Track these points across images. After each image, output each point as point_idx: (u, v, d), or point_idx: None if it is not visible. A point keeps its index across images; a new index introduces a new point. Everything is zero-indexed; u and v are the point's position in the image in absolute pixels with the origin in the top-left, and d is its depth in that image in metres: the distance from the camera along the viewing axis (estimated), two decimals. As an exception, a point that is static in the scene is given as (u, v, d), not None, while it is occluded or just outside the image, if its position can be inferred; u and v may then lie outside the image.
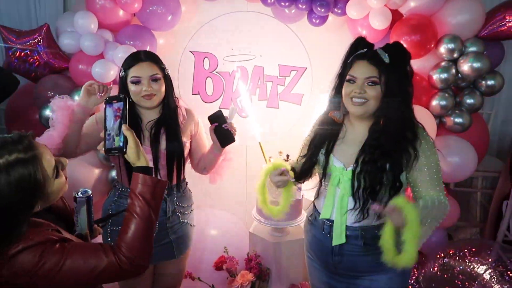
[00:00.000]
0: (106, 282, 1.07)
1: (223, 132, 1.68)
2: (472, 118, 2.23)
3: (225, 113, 1.72)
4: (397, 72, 1.30)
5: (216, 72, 2.43)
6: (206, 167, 1.81)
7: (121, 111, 1.12)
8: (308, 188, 1.65)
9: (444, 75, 2.15)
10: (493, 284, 1.96)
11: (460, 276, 2.05)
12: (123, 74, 1.62)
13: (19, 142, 0.96)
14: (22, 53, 2.17)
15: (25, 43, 2.17)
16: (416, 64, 2.18)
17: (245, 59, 2.42)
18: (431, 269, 2.15)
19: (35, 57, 2.17)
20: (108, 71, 2.07)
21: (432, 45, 2.15)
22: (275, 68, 2.43)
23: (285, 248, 2.16)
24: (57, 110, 1.60)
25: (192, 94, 2.46)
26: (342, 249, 1.43)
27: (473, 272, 2.04)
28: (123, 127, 1.10)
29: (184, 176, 1.78)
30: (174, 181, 1.72)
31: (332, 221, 1.44)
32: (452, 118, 2.22)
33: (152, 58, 1.64)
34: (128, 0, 2.06)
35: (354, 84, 1.34)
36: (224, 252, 2.20)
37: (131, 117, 1.64)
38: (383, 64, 1.30)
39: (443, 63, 2.17)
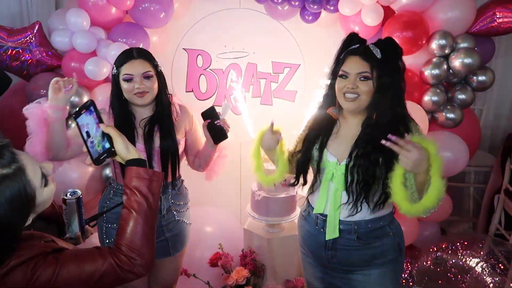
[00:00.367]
0: (112, 286, 1.00)
1: (216, 129, 1.68)
2: (463, 113, 2.26)
3: (219, 109, 1.72)
4: (389, 67, 1.32)
5: (210, 69, 2.43)
6: (201, 164, 1.81)
7: (97, 117, 1.06)
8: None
9: (435, 71, 2.17)
10: (484, 277, 1.99)
11: (453, 269, 2.08)
12: (115, 71, 1.62)
13: (0, 156, 0.86)
14: (14, 51, 2.15)
15: (17, 41, 2.15)
16: (408, 60, 2.20)
17: (239, 56, 2.42)
18: (424, 263, 2.18)
19: (27, 55, 2.16)
20: (101, 68, 2.07)
21: (424, 41, 2.17)
22: (268, 65, 2.43)
23: (280, 244, 2.17)
24: (31, 117, 1.58)
25: (186, 92, 2.46)
26: (335, 244, 1.45)
27: (465, 265, 2.07)
28: (102, 126, 1.04)
29: (179, 173, 1.78)
30: (169, 179, 1.71)
31: (326, 216, 1.45)
32: (444, 114, 2.25)
33: (145, 55, 1.63)
34: (120, -3, 2.06)
35: (346, 80, 1.35)
36: (219, 248, 2.21)
37: (124, 115, 1.65)
38: (375, 59, 1.31)
39: (434, 59, 2.19)
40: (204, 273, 2.17)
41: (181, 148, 1.74)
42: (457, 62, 2.13)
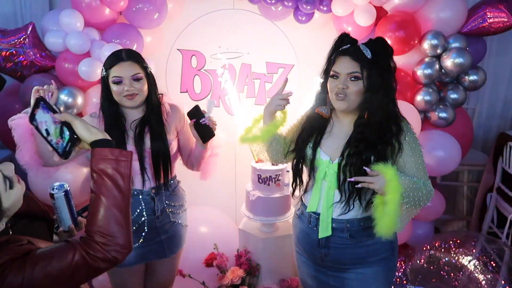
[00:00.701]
0: (89, 278, 0.97)
1: (202, 127, 1.66)
2: (456, 112, 2.28)
3: (204, 107, 1.70)
4: (379, 67, 1.33)
5: (204, 70, 2.44)
6: (194, 163, 1.81)
7: (51, 110, 1.02)
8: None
9: (428, 71, 2.19)
10: (477, 274, 2.01)
11: (446, 267, 2.10)
12: (104, 74, 1.61)
13: None
14: (8, 52, 2.14)
15: (11, 42, 2.14)
16: (400, 60, 2.22)
17: (233, 57, 2.42)
18: (418, 262, 2.20)
19: (20, 56, 2.15)
20: (94, 69, 2.06)
21: (416, 42, 2.18)
22: (262, 66, 2.44)
23: (275, 244, 2.18)
24: (16, 128, 1.59)
25: (181, 92, 2.46)
26: (328, 242, 1.46)
27: (458, 263, 2.09)
28: (56, 116, 0.99)
29: (174, 174, 1.78)
30: (162, 180, 1.70)
31: (319, 214, 1.46)
32: (436, 113, 2.26)
33: (134, 57, 1.62)
34: (114, -2, 2.05)
35: (337, 80, 1.36)
36: (214, 249, 2.21)
37: (115, 117, 1.64)
38: (365, 59, 1.32)
39: (426, 59, 2.21)
40: (199, 273, 2.17)
41: (173, 148, 1.74)
42: (449, 62, 2.15)
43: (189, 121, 1.70)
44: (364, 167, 1.29)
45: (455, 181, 3.06)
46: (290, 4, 2.15)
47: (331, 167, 1.42)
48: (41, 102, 1.03)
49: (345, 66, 1.35)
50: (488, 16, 2.18)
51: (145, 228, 1.70)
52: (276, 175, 2.10)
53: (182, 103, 1.83)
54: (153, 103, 1.67)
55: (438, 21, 2.19)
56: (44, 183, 1.70)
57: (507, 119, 3.16)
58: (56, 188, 1.11)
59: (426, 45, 2.18)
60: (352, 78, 1.34)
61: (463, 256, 2.10)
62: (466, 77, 2.25)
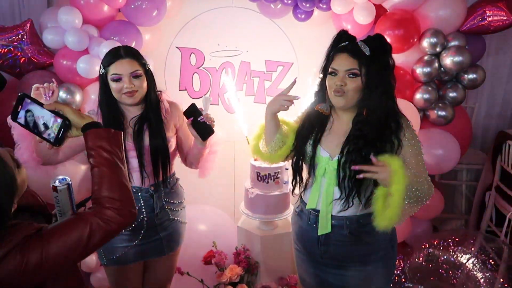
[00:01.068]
0: (102, 243, 1.02)
1: (201, 125, 1.66)
2: (455, 111, 2.28)
3: (200, 105, 1.70)
4: (377, 64, 1.33)
5: (203, 67, 2.43)
6: (193, 161, 1.81)
7: (37, 103, 1.07)
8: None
9: (427, 69, 2.19)
10: (475, 273, 2.01)
11: (444, 265, 2.10)
12: (103, 71, 1.60)
13: None
14: (6, 49, 2.14)
15: (9, 39, 2.14)
16: (399, 58, 2.22)
17: (232, 55, 2.42)
18: (417, 260, 2.20)
19: (18, 53, 2.14)
20: (93, 66, 2.06)
21: (415, 40, 2.18)
22: (261, 64, 2.44)
23: (274, 242, 2.18)
24: (15, 127, 1.58)
25: (179, 90, 2.46)
26: (328, 239, 1.46)
27: (456, 261, 2.10)
28: (45, 107, 1.06)
29: (173, 172, 1.78)
30: (160, 177, 1.70)
31: (318, 211, 1.46)
32: (435, 111, 2.26)
33: (132, 54, 1.61)
34: (112, -5, 2.05)
35: (336, 77, 1.36)
36: (213, 246, 2.21)
37: (113, 114, 1.64)
38: (364, 56, 1.32)
39: (426, 57, 2.21)
40: (198, 271, 2.17)
41: (172, 145, 1.73)
42: (448, 60, 2.15)
43: (186, 120, 1.69)
44: (370, 156, 1.26)
45: (454, 179, 3.06)
46: (289, 1, 2.15)
47: (331, 164, 1.42)
48: (25, 98, 1.07)
49: (343, 63, 1.34)
50: (488, 15, 2.18)
51: (144, 225, 1.69)
52: (275, 173, 2.09)
53: (181, 101, 1.83)
54: (152, 100, 1.66)
55: (438, 19, 2.19)
56: (43, 181, 1.70)
57: (506, 118, 3.16)
58: (59, 181, 1.13)
59: (425, 43, 2.18)
60: (350, 75, 1.34)
61: (462, 254, 2.10)
62: (465, 75, 2.25)
